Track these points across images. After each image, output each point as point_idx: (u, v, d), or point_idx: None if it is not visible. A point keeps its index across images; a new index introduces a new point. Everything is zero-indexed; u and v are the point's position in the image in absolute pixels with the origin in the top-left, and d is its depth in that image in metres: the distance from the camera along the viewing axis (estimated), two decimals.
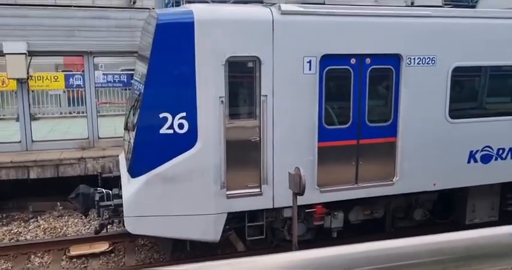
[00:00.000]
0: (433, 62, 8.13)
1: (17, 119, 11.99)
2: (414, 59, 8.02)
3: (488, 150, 8.70)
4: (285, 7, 7.38)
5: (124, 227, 7.51)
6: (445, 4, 9.72)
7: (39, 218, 10.52)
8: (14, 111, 15.31)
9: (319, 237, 8.36)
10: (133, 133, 7.46)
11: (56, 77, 13.38)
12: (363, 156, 7.98)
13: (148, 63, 7.27)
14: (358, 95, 7.87)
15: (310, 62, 7.48)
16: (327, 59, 7.57)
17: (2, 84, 13.78)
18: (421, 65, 8.07)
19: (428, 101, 8.21)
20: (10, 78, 11.45)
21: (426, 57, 8.09)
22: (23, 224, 10.26)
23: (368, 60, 7.86)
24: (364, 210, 8.47)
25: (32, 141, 11.39)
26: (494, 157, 8.76)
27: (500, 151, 8.79)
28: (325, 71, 7.63)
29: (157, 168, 7.10)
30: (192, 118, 7.10)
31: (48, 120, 16.15)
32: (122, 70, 15.73)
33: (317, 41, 7.50)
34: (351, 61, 7.79)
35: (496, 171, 8.79)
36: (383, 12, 7.89)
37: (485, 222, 9.29)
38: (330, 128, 7.81)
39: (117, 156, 9.86)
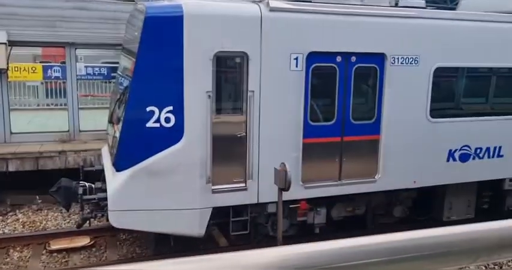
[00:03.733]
0: (416, 62, 8.29)
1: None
2: (398, 58, 8.16)
3: (466, 150, 8.93)
4: (273, 4, 7.40)
5: (108, 221, 7.43)
6: (427, 6, 9.90)
7: (17, 211, 10.30)
8: None
9: (302, 233, 8.43)
10: (119, 126, 7.38)
11: (33, 68, 13.10)
12: (346, 153, 8.08)
13: (135, 56, 7.18)
14: (343, 92, 7.96)
15: (297, 58, 7.54)
16: (313, 56, 7.63)
17: None
18: (405, 64, 8.22)
19: (410, 100, 8.37)
20: None
21: (409, 57, 8.23)
22: (0, 217, 10.02)
23: (353, 59, 7.95)
24: (347, 206, 8.59)
25: (11, 133, 11.13)
26: (472, 156, 9.00)
27: (478, 150, 9.04)
28: (311, 68, 7.69)
29: (143, 162, 7.04)
30: (178, 112, 7.07)
31: (25, 112, 15.79)
32: (102, 63, 15.51)
33: (304, 38, 7.55)
34: (337, 59, 7.87)
35: (474, 169, 9.03)
36: (369, 11, 7.99)
37: (462, 219, 9.54)
38: (315, 124, 7.87)
39: (99, 149, 9.74)
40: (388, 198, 8.98)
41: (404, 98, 8.28)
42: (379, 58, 8.09)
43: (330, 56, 7.80)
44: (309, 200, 8.05)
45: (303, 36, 7.53)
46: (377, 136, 8.24)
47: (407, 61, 8.22)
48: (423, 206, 9.55)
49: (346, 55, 7.89)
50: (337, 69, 7.89)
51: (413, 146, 8.45)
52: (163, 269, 1.20)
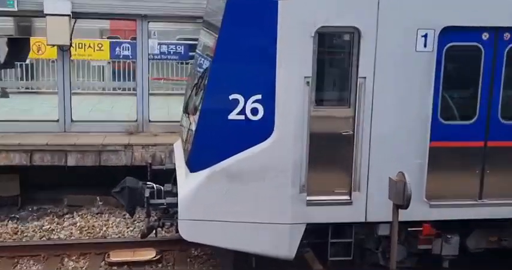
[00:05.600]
0: None
1: None
2: None
3: None
4: None
5: (177, 232, 7.77)
6: None
7: (75, 213, 11.11)
8: (51, 85, 16.24)
9: (424, 267, 8.23)
10: (196, 118, 7.67)
11: (100, 45, 14.04)
12: (491, 164, 7.83)
13: (218, 32, 7.42)
14: (489, 81, 7.72)
15: (425, 36, 7.45)
16: (448, 33, 7.49)
17: (38, 51, 14.67)
18: None
19: None
20: (49, 45, 12.06)
21: None
22: (56, 219, 10.88)
23: (507, 36, 7.69)
24: (489, 235, 8.26)
25: (72, 121, 12.02)
26: None
27: None
28: (445, 49, 7.58)
29: (222, 162, 7.25)
30: (268, 102, 7.20)
31: (88, 96, 16.95)
32: (179, 39, 16.23)
33: (436, 9, 7.42)
34: (483, 36, 7.65)
35: None
36: None
37: None
38: (448, 123, 7.73)
39: (171, 144, 10.20)
40: None
41: None
42: None
43: (472, 32, 7.61)
44: (436, 223, 7.84)
45: (435, 6, 7.39)
46: None
47: None
48: None
49: (495, 31, 7.63)
50: (483, 50, 7.69)
51: None
52: None
